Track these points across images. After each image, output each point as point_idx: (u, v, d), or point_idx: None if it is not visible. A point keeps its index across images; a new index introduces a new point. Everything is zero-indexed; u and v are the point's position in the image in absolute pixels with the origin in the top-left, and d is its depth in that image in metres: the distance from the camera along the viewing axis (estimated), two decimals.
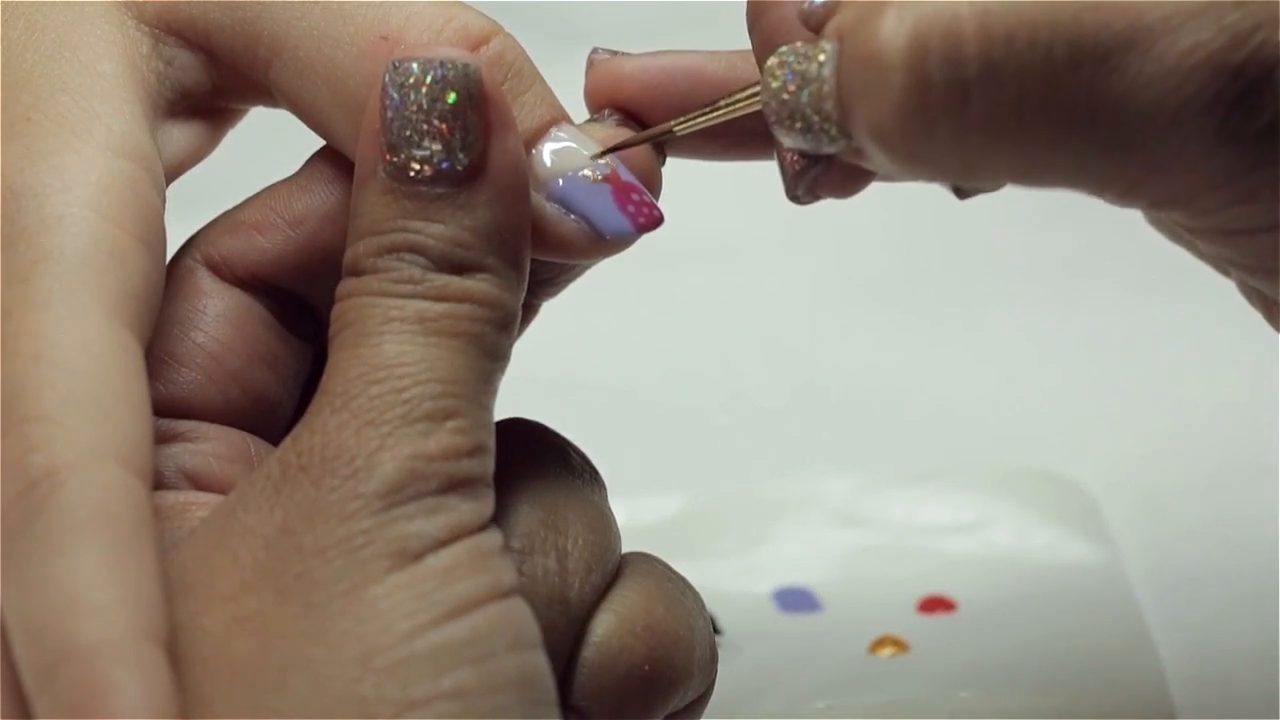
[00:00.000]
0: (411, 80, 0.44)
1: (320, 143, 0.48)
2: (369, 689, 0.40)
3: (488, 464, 0.43)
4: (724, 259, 0.87)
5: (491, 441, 0.44)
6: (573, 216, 0.46)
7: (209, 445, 0.47)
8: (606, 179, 0.47)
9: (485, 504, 0.43)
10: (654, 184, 0.48)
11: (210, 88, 0.48)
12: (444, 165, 0.44)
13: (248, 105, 0.50)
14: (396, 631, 0.41)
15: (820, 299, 0.85)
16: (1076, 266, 0.85)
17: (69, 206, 0.44)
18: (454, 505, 0.42)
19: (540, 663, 0.42)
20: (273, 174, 0.49)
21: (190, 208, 0.50)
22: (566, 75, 0.50)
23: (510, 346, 0.45)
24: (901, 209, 0.85)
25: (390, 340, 0.43)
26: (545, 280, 0.49)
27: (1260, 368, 0.74)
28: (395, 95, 0.44)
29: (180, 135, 0.48)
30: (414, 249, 0.44)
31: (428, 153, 0.44)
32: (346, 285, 0.44)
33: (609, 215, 0.46)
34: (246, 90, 0.48)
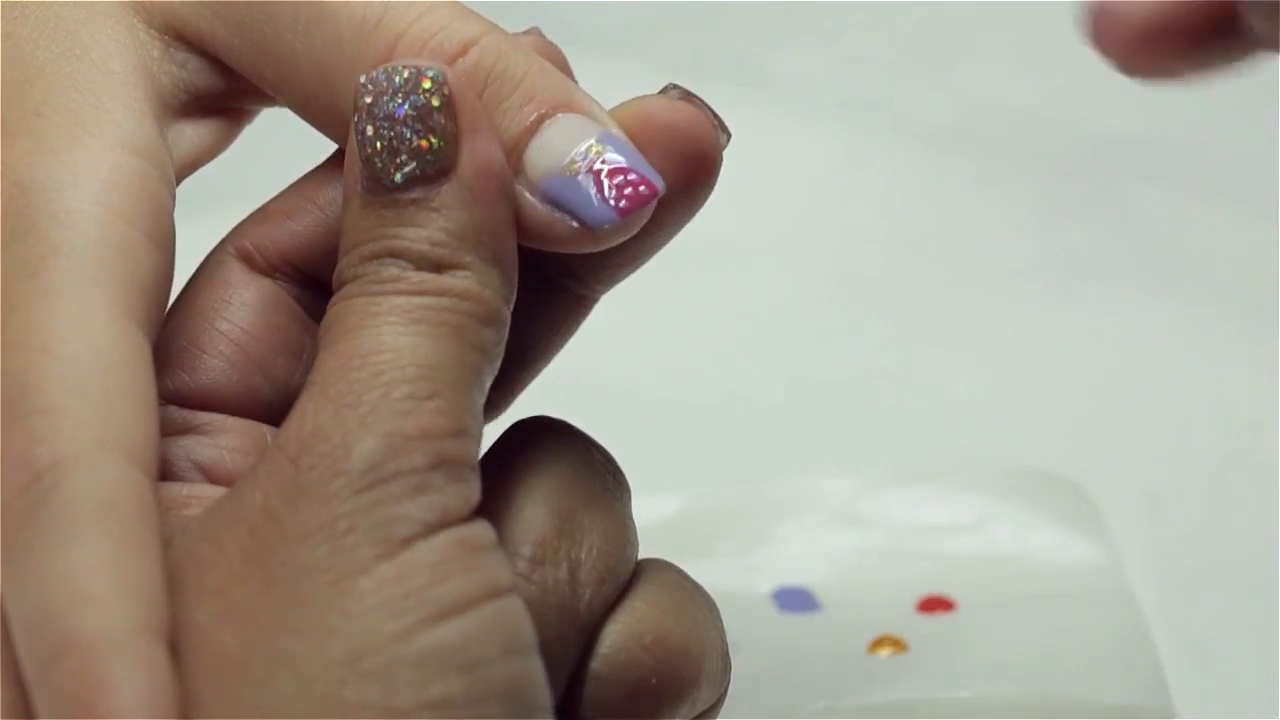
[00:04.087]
0: (378, 91, 0.44)
1: None
2: (352, 693, 0.40)
3: (472, 448, 0.43)
4: (724, 259, 0.87)
5: (477, 429, 0.43)
6: (560, 214, 0.46)
7: (225, 439, 0.46)
8: (590, 170, 0.46)
9: (471, 488, 0.42)
10: (705, 135, 0.46)
11: (224, 90, 0.48)
12: (416, 171, 0.44)
13: (262, 106, 0.50)
14: (384, 633, 0.40)
15: (820, 298, 0.85)
16: (1076, 266, 0.85)
17: (78, 202, 0.44)
18: (439, 486, 0.41)
19: (534, 669, 0.42)
20: (303, 168, 0.49)
21: (217, 202, 0.50)
22: None
23: (498, 343, 0.44)
24: (902, 209, 0.85)
25: (368, 332, 0.43)
26: (598, 267, 0.48)
27: (1260, 368, 0.74)
28: (365, 109, 0.44)
29: (194, 132, 0.48)
30: (394, 254, 0.43)
31: (400, 161, 0.44)
32: (334, 298, 0.44)
33: (590, 207, 0.46)
34: (260, 94, 0.48)
